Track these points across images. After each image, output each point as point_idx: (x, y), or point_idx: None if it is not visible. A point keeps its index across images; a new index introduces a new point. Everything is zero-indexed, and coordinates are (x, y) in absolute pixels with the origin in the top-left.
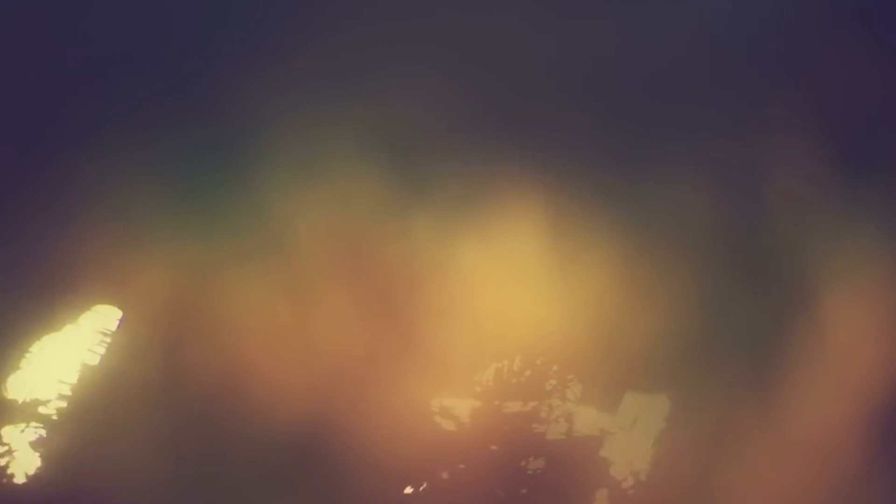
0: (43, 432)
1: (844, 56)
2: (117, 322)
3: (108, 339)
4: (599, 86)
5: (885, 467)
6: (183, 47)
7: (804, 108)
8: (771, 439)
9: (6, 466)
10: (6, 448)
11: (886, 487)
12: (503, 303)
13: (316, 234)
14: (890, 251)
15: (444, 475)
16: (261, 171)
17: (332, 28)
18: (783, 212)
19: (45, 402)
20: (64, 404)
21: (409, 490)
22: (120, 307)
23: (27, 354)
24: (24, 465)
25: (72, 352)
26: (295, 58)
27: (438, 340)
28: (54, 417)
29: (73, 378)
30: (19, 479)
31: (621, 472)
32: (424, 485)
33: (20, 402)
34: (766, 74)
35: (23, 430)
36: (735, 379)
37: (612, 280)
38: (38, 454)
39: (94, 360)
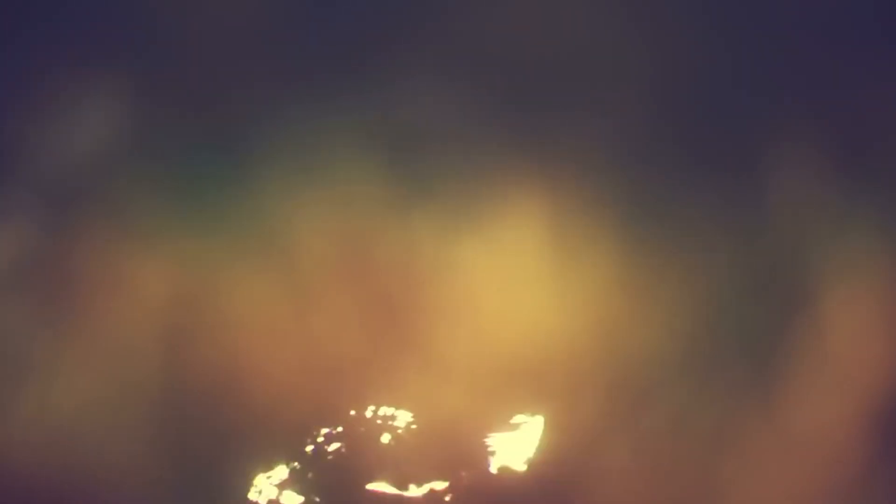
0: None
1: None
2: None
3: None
4: (601, 86)
5: (886, 467)
6: (184, 47)
7: (805, 107)
8: (772, 439)
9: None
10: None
11: (887, 487)
12: (505, 302)
13: (317, 233)
14: (890, 252)
15: (445, 475)
16: (262, 170)
17: (334, 28)
18: (785, 212)
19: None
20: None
21: (409, 490)
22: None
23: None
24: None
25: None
26: (296, 57)
27: (440, 340)
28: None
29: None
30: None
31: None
32: (424, 485)
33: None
34: (767, 74)
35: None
36: (736, 379)
37: (614, 280)
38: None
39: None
